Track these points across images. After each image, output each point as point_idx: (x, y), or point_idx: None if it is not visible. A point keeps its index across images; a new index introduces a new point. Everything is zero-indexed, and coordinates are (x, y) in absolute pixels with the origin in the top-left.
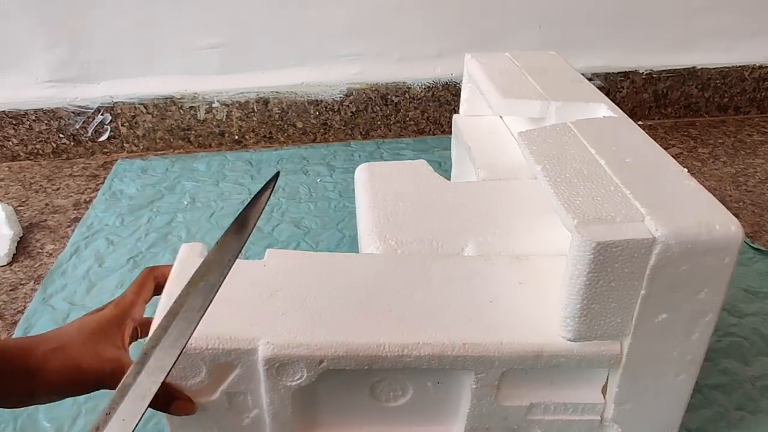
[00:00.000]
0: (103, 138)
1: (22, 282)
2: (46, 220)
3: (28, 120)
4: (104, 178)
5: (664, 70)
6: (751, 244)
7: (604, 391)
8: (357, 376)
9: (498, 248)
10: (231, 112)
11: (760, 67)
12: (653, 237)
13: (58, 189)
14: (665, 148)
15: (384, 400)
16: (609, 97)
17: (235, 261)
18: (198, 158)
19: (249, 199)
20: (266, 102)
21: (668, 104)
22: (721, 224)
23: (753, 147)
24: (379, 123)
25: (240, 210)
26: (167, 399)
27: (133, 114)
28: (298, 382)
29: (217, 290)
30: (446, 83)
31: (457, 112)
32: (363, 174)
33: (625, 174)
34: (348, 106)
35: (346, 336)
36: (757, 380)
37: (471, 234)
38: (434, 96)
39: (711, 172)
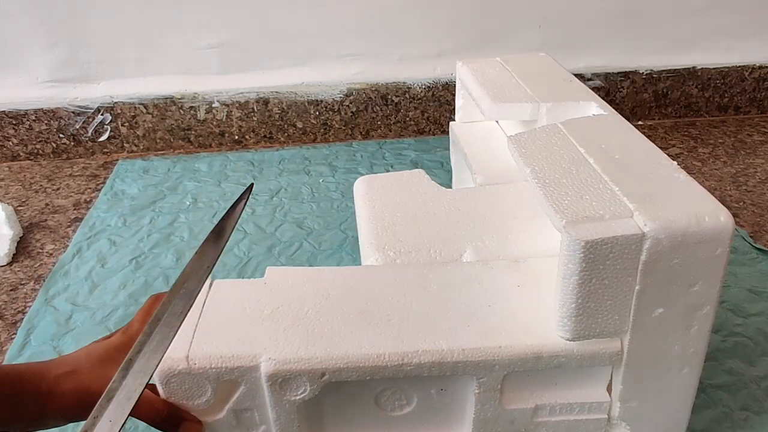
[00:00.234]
0: (103, 138)
1: (23, 282)
2: (46, 220)
3: (28, 120)
4: (104, 178)
5: (664, 70)
6: (754, 245)
7: (609, 389)
8: (361, 388)
9: (496, 252)
10: (231, 112)
11: (760, 67)
12: (642, 232)
13: (58, 189)
14: (665, 148)
15: (389, 410)
16: (609, 97)
17: (213, 268)
18: (200, 158)
19: (250, 200)
20: (266, 102)
21: (668, 104)
22: (710, 215)
23: (753, 147)
24: (379, 123)
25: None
26: (176, 421)
27: (133, 114)
28: (302, 396)
29: (197, 295)
30: (446, 83)
31: None
32: (361, 186)
33: (614, 171)
34: (348, 106)
35: (346, 348)
36: (762, 380)
37: (469, 240)
38: (434, 96)
39: (711, 172)
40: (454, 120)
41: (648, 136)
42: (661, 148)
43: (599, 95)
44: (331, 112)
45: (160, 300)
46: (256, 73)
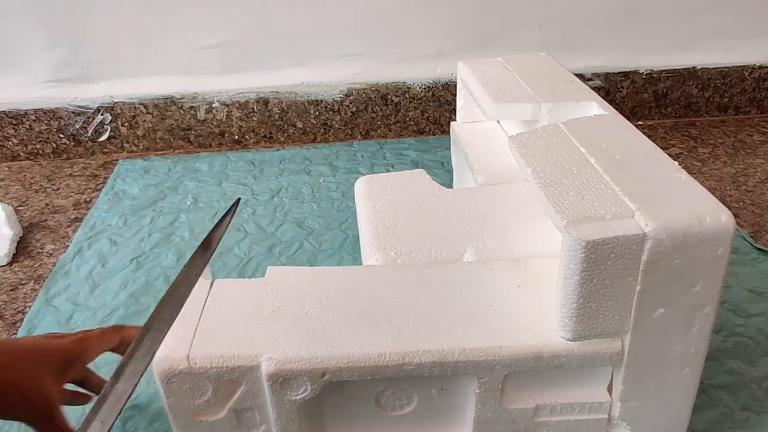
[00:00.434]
0: (103, 138)
1: (22, 282)
2: (46, 220)
3: (28, 120)
4: (104, 178)
5: (664, 70)
6: (755, 245)
7: (610, 389)
8: (362, 387)
9: (497, 252)
10: (231, 112)
11: (760, 67)
12: (643, 232)
13: (58, 189)
14: (665, 148)
15: (390, 410)
16: (609, 97)
17: (200, 276)
18: (200, 158)
19: (251, 200)
20: (266, 102)
21: (668, 104)
22: (711, 215)
23: (753, 147)
24: (379, 123)
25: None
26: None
27: (133, 114)
28: (303, 395)
29: (184, 302)
30: (446, 83)
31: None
32: (362, 186)
33: (615, 171)
34: (348, 106)
35: (346, 348)
36: (763, 381)
37: (469, 240)
38: (434, 96)
39: (711, 172)
40: (454, 120)
41: (648, 136)
42: (661, 148)
43: (599, 95)
44: (331, 112)
45: (123, 332)
46: (256, 73)
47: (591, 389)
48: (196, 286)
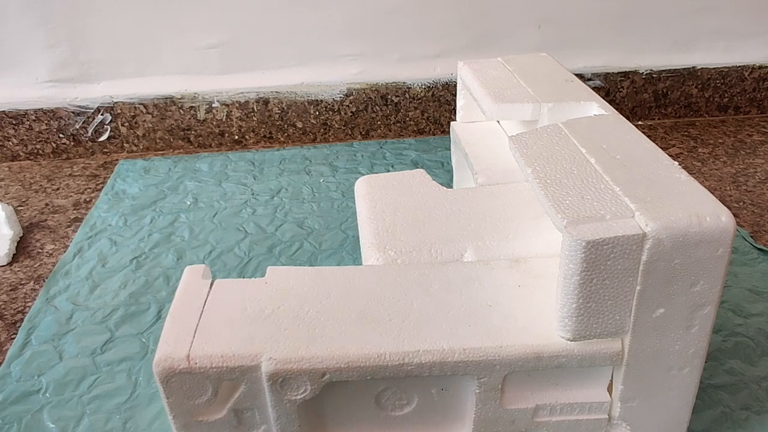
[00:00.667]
0: (103, 138)
1: (22, 282)
2: (46, 220)
3: (28, 120)
4: (104, 178)
5: (664, 70)
6: (755, 244)
7: (610, 389)
8: (362, 387)
9: (497, 252)
10: (231, 112)
11: (760, 67)
12: (643, 232)
13: (58, 189)
14: (665, 148)
15: (390, 410)
16: (609, 97)
17: None
18: (200, 158)
19: (251, 200)
20: (266, 102)
21: (668, 104)
22: (711, 215)
23: (753, 147)
24: (379, 123)
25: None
26: None
27: (133, 114)
28: (303, 395)
29: None
30: (446, 83)
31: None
32: (362, 186)
33: (615, 171)
34: (348, 106)
35: (346, 348)
36: (763, 380)
37: (470, 240)
38: (434, 96)
39: (711, 172)
40: (454, 120)
41: (648, 136)
42: (661, 148)
43: (599, 95)
44: (331, 112)
45: None
46: (256, 73)
47: (591, 389)
48: (196, 285)
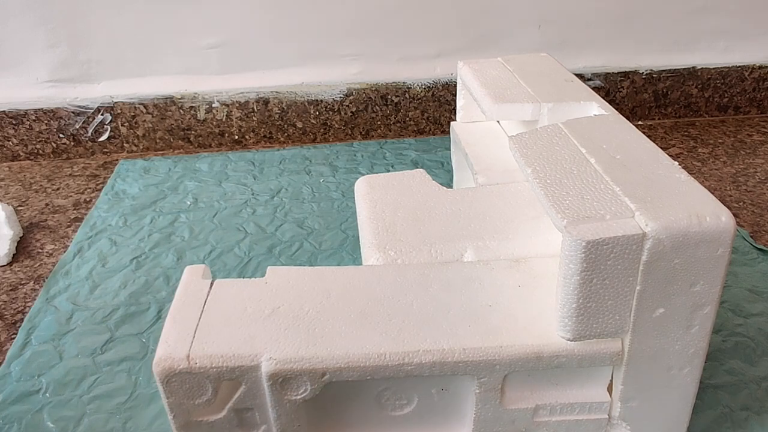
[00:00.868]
0: (103, 138)
1: (22, 282)
2: (46, 220)
3: (28, 120)
4: (104, 178)
5: (664, 70)
6: (755, 244)
7: (609, 389)
8: (362, 387)
9: (497, 252)
10: (231, 112)
11: (760, 67)
12: (643, 232)
13: (58, 189)
14: (665, 148)
15: (390, 410)
16: (609, 97)
17: None
18: (200, 158)
19: (251, 200)
20: (266, 102)
21: (668, 104)
22: (711, 215)
23: (753, 147)
24: (379, 123)
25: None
26: None
27: (133, 114)
28: (303, 395)
29: None
30: (446, 83)
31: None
32: (362, 186)
33: (615, 171)
34: (348, 106)
35: (346, 348)
36: (763, 381)
37: (470, 240)
38: (434, 96)
39: (711, 172)
40: (454, 120)
41: (648, 136)
42: (661, 148)
43: (599, 95)
44: (331, 112)
45: None
46: (256, 73)
47: (591, 389)
48: (196, 285)
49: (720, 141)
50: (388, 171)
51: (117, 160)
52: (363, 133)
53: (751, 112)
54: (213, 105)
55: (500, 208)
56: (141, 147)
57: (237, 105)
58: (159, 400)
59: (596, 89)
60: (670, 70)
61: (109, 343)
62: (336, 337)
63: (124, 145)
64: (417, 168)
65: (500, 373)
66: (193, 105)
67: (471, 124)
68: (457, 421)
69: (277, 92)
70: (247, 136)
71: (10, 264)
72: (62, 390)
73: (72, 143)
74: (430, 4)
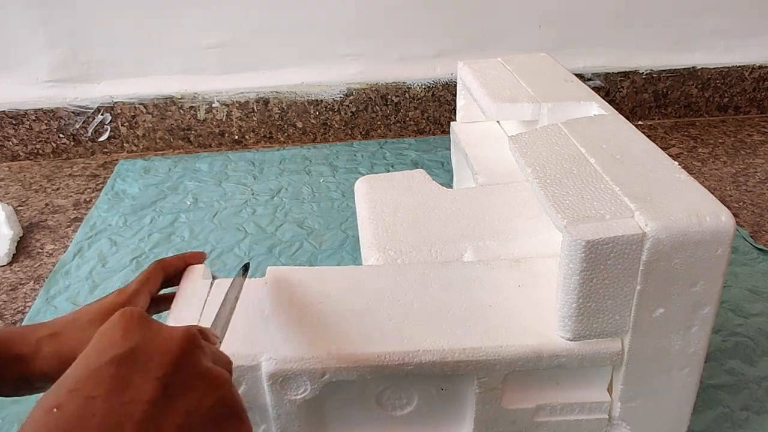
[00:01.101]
0: (103, 138)
1: (22, 282)
2: (46, 220)
3: (28, 120)
4: (104, 178)
5: (664, 70)
6: (755, 244)
7: (610, 389)
8: (362, 387)
9: (497, 252)
10: (231, 112)
11: (760, 67)
12: (643, 232)
13: (58, 189)
14: (665, 148)
15: (390, 409)
16: (609, 97)
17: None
18: (200, 158)
19: (251, 200)
20: (266, 102)
21: (668, 104)
22: (711, 215)
23: (753, 147)
24: (379, 123)
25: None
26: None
27: (133, 114)
28: (303, 395)
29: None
30: (446, 83)
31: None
32: (362, 186)
33: (615, 171)
34: (348, 106)
35: (346, 347)
36: (763, 380)
37: (470, 240)
38: (434, 96)
39: (711, 172)
40: (454, 120)
41: (648, 136)
42: (661, 148)
43: (599, 95)
44: (331, 112)
45: (163, 264)
46: (256, 73)
47: (591, 389)
48: (196, 286)
49: (720, 141)
50: (388, 171)
51: (117, 160)
52: (363, 133)
53: (751, 112)
54: (213, 105)
55: (500, 208)
56: (141, 147)
57: (237, 105)
58: None
59: (596, 89)
60: (670, 70)
61: None
62: (336, 337)
63: (124, 145)
64: (417, 168)
65: (500, 373)
66: (193, 105)
67: (471, 125)
68: (457, 421)
69: (277, 92)
70: (247, 136)
71: (10, 264)
72: None
73: (72, 143)
74: (430, 4)
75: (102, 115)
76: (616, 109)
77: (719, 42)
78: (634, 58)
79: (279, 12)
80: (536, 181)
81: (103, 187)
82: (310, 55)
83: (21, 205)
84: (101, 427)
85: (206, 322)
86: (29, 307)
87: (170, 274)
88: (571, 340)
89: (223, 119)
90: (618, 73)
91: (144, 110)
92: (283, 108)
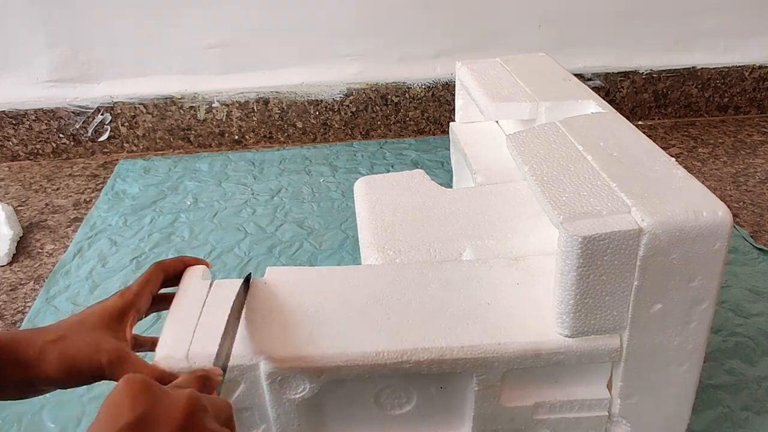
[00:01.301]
0: (103, 138)
1: (22, 282)
2: (46, 220)
3: (28, 120)
4: (104, 178)
5: (664, 70)
6: (755, 244)
7: (609, 386)
8: (361, 386)
9: (495, 251)
10: (231, 112)
11: (760, 67)
12: (640, 227)
13: (58, 189)
14: (665, 148)
15: (389, 409)
16: (609, 97)
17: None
18: (200, 158)
19: (251, 200)
20: (266, 102)
21: (668, 104)
22: (708, 210)
23: (753, 147)
24: (379, 123)
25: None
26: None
27: (133, 114)
28: (302, 394)
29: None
30: (446, 83)
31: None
32: (362, 186)
33: (612, 168)
34: (348, 106)
35: (345, 346)
36: (763, 380)
37: (468, 239)
38: (434, 96)
39: (711, 172)
40: (454, 120)
41: (648, 137)
42: (661, 148)
43: (599, 95)
44: (331, 112)
45: (163, 265)
46: (256, 73)
47: (590, 386)
48: (195, 287)
49: (720, 141)
50: (388, 171)
51: (117, 160)
52: (363, 133)
53: (751, 112)
54: (213, 105)
55: (498, 208)
56: (141, 147)
57: (237, 105)
58: None
59: (596, 89)
60: (670, 70)
61: None
62: (335, 336)
63: (124, 145)
64: (417, 168)
65: (499, 371)
66: (193, 105)
67: (470, 125)
68: (456, 419)
69: (277, 92)
70: (247, 136)
71: (10, 264)
72: (62, 390)
73: (72, 143)
74: (430, 4)
75: (102, 115)
76: (616, 109)
77: (719, 42)
78: (634, 58)
79: (279, 12)
80: (533, 179)
81: (103, 187)
82: (310, 55)
83: (21, 205)
84: None
85: (204, 326)
86: (29, 307)
87: (170, 275)
88: (569, 337)
89: (223, 119)
90: (618, 73)
91: (144, 110)
92: (283, 108)
